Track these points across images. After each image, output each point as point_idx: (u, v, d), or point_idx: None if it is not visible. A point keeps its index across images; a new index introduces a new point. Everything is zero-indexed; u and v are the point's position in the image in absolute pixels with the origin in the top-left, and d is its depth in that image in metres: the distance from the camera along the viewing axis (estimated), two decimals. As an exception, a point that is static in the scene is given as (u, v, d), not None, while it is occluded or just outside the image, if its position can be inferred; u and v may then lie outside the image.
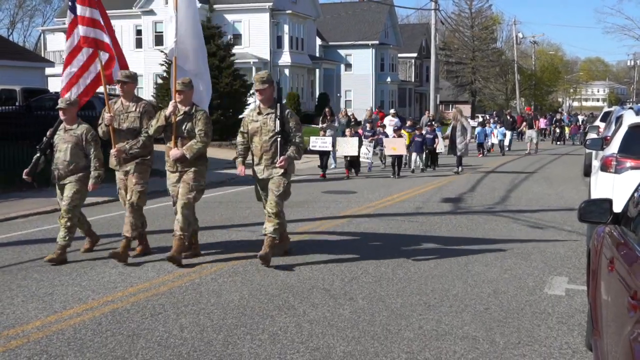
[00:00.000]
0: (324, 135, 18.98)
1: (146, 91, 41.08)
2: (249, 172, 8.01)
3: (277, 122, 7.66)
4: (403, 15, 77.84)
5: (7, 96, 22.46)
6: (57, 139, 8.13)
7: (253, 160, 7.94)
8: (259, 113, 7.89)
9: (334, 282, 7.09)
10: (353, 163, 18.62)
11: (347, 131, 19.72)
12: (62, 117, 8.08)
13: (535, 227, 10.57)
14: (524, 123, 33.39)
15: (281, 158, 7.62)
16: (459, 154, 19.62)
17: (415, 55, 66.56)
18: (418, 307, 6.21)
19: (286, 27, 44.20)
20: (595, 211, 4.52)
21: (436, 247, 8.98)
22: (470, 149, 26.85)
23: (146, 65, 43.44)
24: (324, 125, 20.02)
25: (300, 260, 8.05)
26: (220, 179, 17.00)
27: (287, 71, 44.31)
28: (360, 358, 4.98)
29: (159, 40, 43.81)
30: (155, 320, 5.77)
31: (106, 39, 8.37)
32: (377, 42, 55.71)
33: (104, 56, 8.40)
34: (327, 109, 21.90)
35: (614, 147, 8.45)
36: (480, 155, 27.74)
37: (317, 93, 47.48)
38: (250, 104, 28.01)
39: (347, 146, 18.43)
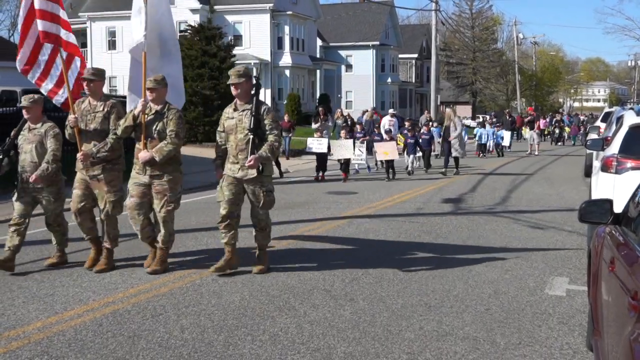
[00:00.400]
0: (320, 136, 18.50)
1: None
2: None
3: (252, 118, 7.15)
4: (404, 16, 77.97)
5: (7, 97, 22.45)
6: (21, 140, 7.65)
7: (229, 158, 7.40)
8: (235, 110, 7.37)
9: (335, 282, 7.09)
10: (347, 165, 18.07)
11: (342, 132, 19.11)
12: (25, 115, 7.64)
13: (536, 228, 10.56)
14: (525, 123, 33.17)
15: (250, 157, 7.03)
16: (459, 155, 19.21)
17: (415, 55, 66.58)
18: (419, 308, 6.21)
19: (287, 28, 44.23)
20: (596, 212, 4.52)
21: (437, 247, 8.98)
22: (468, 150, 26.79)
23: (147, 66, 43.45)
24: (318, 125, 19.66)
25: (301, 261, 8.06)
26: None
27: (287, 72, 44.33)
28: (361, 359, 4.98)
29: (159, 41, 43.84)
30: (156, 321, 5.78)
31: (70, 38, 7.93)
32: (377, 42, 55.76)
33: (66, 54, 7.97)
34: (320, 108, 21.35)
35: (614, 148, 8.45)
36: (480, 155, 27.69)
37: (318, 94, 47.50)
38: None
39: (342, 149, 17.77)
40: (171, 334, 5.46)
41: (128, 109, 7.73)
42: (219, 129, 7.53)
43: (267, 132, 7.22)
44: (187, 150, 18.79)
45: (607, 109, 27.23)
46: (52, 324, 5.69)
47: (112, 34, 46.54)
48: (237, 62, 28.96)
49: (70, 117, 7.62)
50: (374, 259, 8.24)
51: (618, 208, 4.60)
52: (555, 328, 5.70)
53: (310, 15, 48.09)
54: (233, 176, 7.31)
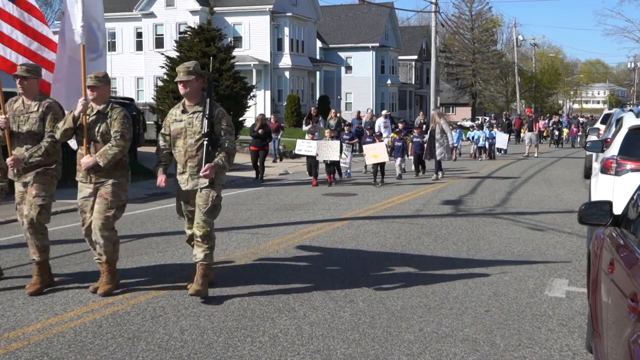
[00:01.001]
0: (312, 139, 17.64)
1: (147, 93, 41.15)
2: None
3: (205, 122, 6.37)
4: (403, 17, 77.85)
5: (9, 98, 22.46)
6: None
7: (176, 168, 6.71)
8: (184, 111, 6.56)
9: (335, 284, 7.09)
10: (334, 168, 17.30)
11: (327, 132, 18.32)
12: None
13: (536, 230, 10.57)
14: (524, 125, 32.43)
15: (206, 166, 6.30)
16: (438, 158, 18.26)
17: (415, 57, 66.63)
18: (418, 310, 6.21)
19: (286, 30, 44.25)
20: (596, 213, 4.52)
21: (436, 249, 8.98)
22: (463, 152, 26.49)
23: (146, 67, 43.55)
24: (309, 127, 18.97)
25: (300, 263, 8.06)
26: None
27: (287, 74, 44.34)
28: (360, 360, 4.98)
29: (159, 42, 43.95)
30: (156, 323, 5.77)
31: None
32: (377, 44, 55.82)
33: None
34: (312, 108, 20.57)
35: (614, 150, 8.46)
36: (475, 157, 27.42)
37: (318, 95, 47.53)
38: (250, 106, 28.00)
39: (329, 150, 16.85)
40: (171, 336, 5.46)
41: (67, 111, 6.88)
42: (162, 131, 6.77)
43: (222, 138, 6.44)
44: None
45: (606, 111, 27.26)
46: (51, 326, 5.69)
47: (111, 35, 46.50)
48: (236, 64, 28.95)
49: (0, 117, 6.82)
50: (373, 260, 8.25)
51: (618, 210, 4.60)
52: (554, 330, 5.71)
53: (310, 17, 48.12)
54: (185, 189, 6.65)
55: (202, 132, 6.39)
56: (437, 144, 18.10)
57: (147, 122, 26.76)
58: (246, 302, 6.41)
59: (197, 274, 6.42)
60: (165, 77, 27.04)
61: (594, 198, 8.56)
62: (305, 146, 17.38)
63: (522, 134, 35.32)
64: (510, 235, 10.00)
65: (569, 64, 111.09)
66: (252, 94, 28.95)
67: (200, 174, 6.38)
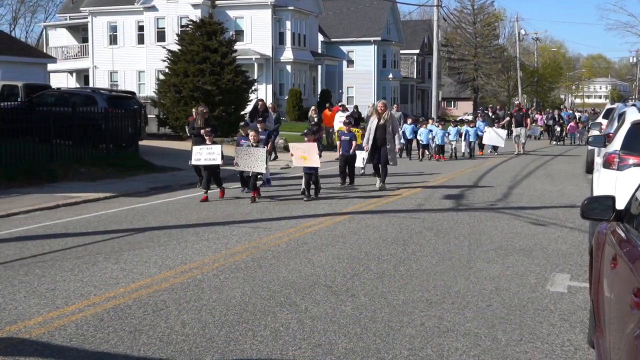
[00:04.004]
0: (255, 141, 12.73)
1: (148, 87, 41.10)
2: None
3: None
4: (405, 11, 77.80)
5: (9, 92, 22.47)
6: None
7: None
8: None
9: (336, 278, 7.09)
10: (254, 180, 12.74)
11: (252, 135, 12.84)
12: None
13: (537, 224, 10.56)
14: (512, 120, 28.33)
15: None
16: (390, 163, 14.61)
17: (417, 51, 66.52)
18: (420, 304, 6.21)
19: (288, 24, 44.17)
20: (598, 208, 4.51)
21: (438, 243, 8.97)
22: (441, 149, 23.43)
23: (148, 61, 43.48)
24: (250, 122, 14.95)
25: (302, 257, 8.06)
26: (223, 175, 16.94)
27: (289, 67, 44.28)
28: (362, 354, 4.98)
29: (161, 36, 43.87)
30: (157, 316, 5.78)
31: None
32: (379, 38, 55.75)
33: None
34: (259, 101, 16.99)
35: (616, 144, 8.45)
36: (467, 154, 25.17)
37: (319, 89, 47.45)
38: (252, 100, 27.99)
39: (250, 159, 12.51)
40: (172, 329, 5.46)
41: None
42: None
43: None
44: (186, 146, 18.79)
45: (609, 106, 27.13)
46: (53, 319, 5.69)
47: (113, 28, 46.49)
48: (238, 57, 28.93)
49: None
50: (375, 254, 8.24)
51: (620, 205, 4.59)
52: (556, 325, 5.70)
53: (312, 11, 48.01)
54: None
55: None
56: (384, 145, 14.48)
57: (149, 116, 26.81)
58: (247, 296, 6.41)
59: None
60: (166, 70, 27.06)
61: (596, 193, 8.55)
62: (204, 153, 12.90)
63: (510, 130, 29.33)
64: (512, 230, 9.99)
65: (571, 59, 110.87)
66: (253, 87, 28.93)
67: None
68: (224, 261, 7.79)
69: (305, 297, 6.40)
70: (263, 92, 42.03)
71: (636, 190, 4.39)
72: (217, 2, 39.60)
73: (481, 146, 26.50)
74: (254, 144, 12.71)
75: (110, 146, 17.74)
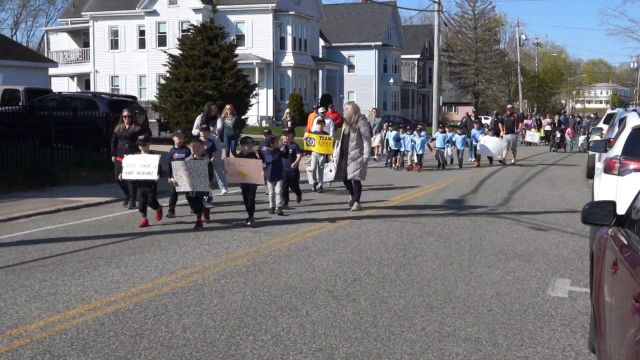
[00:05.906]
0: (198, 153, 10.48)
1: (149, 91, 41.15)
2: None
3: None
4: (406, 16, 77.62)
5: (10, 96, 22.52)
6: None
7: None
8: None
9: (337, 283, 7.09)
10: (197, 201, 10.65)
11: (196, 145, 10.63)
12: None
13: (538, 229, 10.55)
14: (501, 126, 25.15)
15: None
16: (349, 176, 12.00)
17: (418, 56, 66.61)
18: (421, 309, 6.21)
19: (289, 28, 44.25)
20: (599, 213, 4.52)
21: (439, 248, 8.97)
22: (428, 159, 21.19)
23: (149, 65, 43.57)
24: (201, 127, 12.54)
25: (302, 261, 8.06)
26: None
27: (290, 72, 44.34)
28: (363, 359, 4.98)
29: (162, 40, 43.96)
30: (158, 321, 5.78)
31: None
32: (380, 43, 55.82)
33: None
34: (212, 105, 14.38)
35: (617, 149, 8.45)
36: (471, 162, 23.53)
37: (320, 94, 47.49)
38: (253, 104, 28.00)
39: (192, 176, 10.23)
40: (173, 334, 5.46)
41: None
42: None
43: None
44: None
45: (609, 111, 27.11)
46: (54, 323, 5.69)
47: (114, 33, 46.58)
48: (239, 62, 28.96)
49: None
50: (375, 259, 8.24)
51: (621, 210, 4.59)
52: (557, 330, 5.70)
53: (313, 16, 48.09)
54: None
55: None
56: (349, 156, 11.93)
57: (150, 120, 26.83)
58: (248, 300, 6.41)
59: None
60: (167, 75, 27.09)
61: (597, 198, 8.55)
62: (137, 165, 10.45)
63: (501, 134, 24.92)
64: (513, 235, 9.99)
65: (571, 64, 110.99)
66: (254, 92, 28.96)
67: None
68: (225, 265, 7.80)
69: (306, 301, 6.40)
70: (264, 97, 42.08)
71: (637, 195, 4.39)
72: (218, 7, 39.69)
73: (477, 156, 23.34)
74: (195, 157, 10.41)
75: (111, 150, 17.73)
